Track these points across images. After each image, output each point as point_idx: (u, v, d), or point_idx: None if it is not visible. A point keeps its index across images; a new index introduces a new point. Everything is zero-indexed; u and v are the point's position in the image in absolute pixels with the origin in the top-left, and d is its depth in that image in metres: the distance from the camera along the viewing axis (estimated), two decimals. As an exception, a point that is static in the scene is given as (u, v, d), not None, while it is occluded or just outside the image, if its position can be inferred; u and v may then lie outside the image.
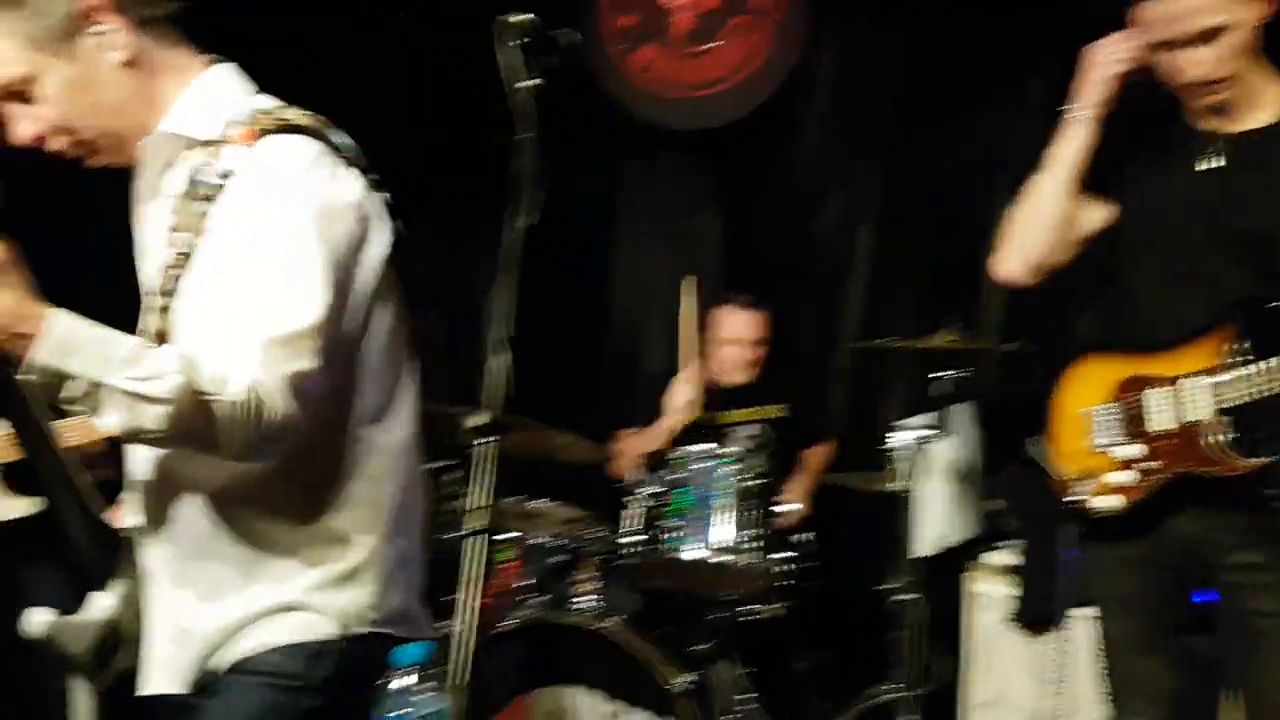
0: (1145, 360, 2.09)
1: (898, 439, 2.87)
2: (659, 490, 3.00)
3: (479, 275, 4.13)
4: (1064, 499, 2.13)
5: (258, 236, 1.36)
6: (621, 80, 4.11)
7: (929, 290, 3.81)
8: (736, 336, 3.54)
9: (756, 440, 3.46)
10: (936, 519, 3.20)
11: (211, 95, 1.48)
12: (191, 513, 1.44)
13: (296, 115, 1.45)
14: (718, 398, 3.59)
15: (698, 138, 4.14)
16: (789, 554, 3.00)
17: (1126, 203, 2.13)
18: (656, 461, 3.05)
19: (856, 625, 3.36)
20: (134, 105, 1.44)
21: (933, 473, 3.02)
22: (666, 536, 2.96)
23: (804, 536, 3.09)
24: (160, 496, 1.47)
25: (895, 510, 3.32)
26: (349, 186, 1.44)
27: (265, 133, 1.41)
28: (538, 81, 1.66)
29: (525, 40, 1.75)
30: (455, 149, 4.16)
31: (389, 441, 1.50)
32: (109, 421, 1.29)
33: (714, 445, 3.09)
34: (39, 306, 1.29)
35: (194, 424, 1.29)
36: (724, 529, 2.95)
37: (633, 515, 3.02)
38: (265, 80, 1.57)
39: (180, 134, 1.45)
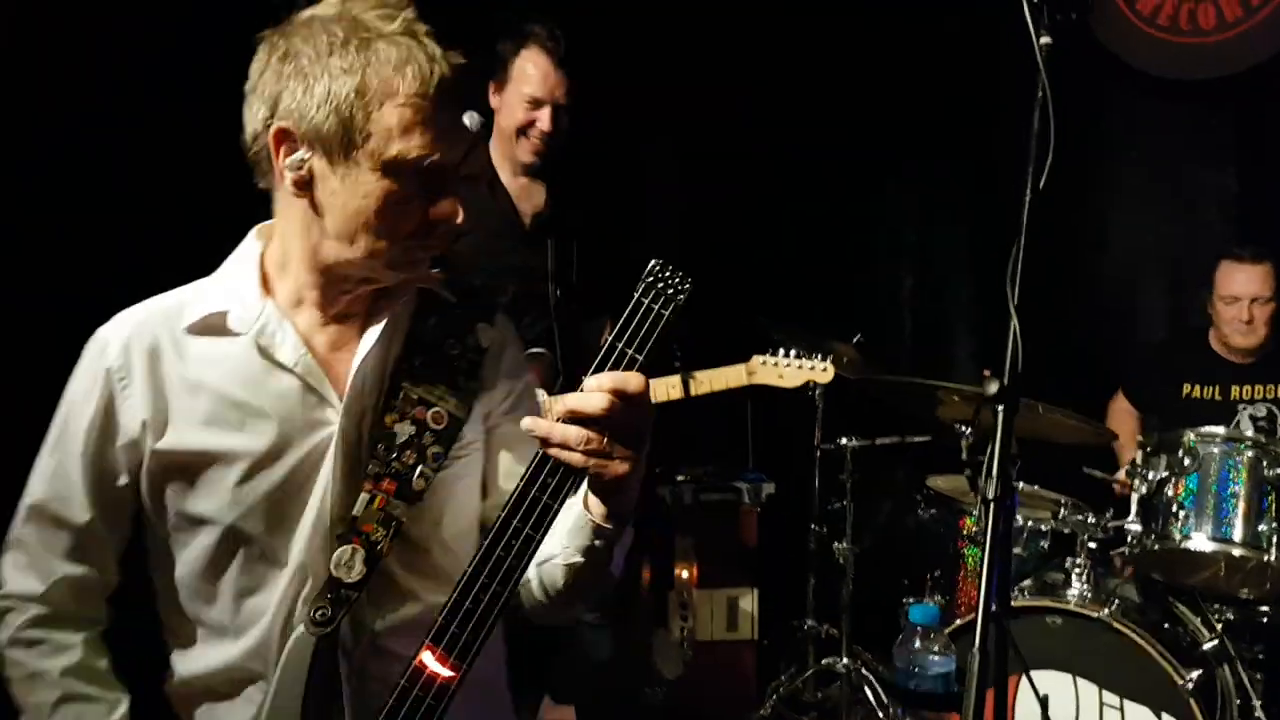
0: None
1: None
2: (1164, 476, 2.79)
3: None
4: None
5: None
6: (1127, 28, 3.81)
7: None
8: (1234, 293, 3.23)
9: (1260, 423, 3.14)
10: None
11: None
12: None
13: None
14: (1223, 368, 3.28)
15: (1208, 86, 3.74)
16: None
17: None
18: (1162, 445, 2.83)
19: None
20: None
21: None
22: (1172, 525, 2.76)
23: None
24: None
25: None
26: None
27: None
28: (1050, 40, 1.61)
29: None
30: (934, 115, 4.11)
31: None
32: None
33: (1225, 429, 2.86)
34: None
35: None
36: (1240, 520, 2.69)
37: (1134, 501, 2.84)
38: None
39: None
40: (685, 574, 3.71)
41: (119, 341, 1.32)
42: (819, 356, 2.76)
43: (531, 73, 2.68)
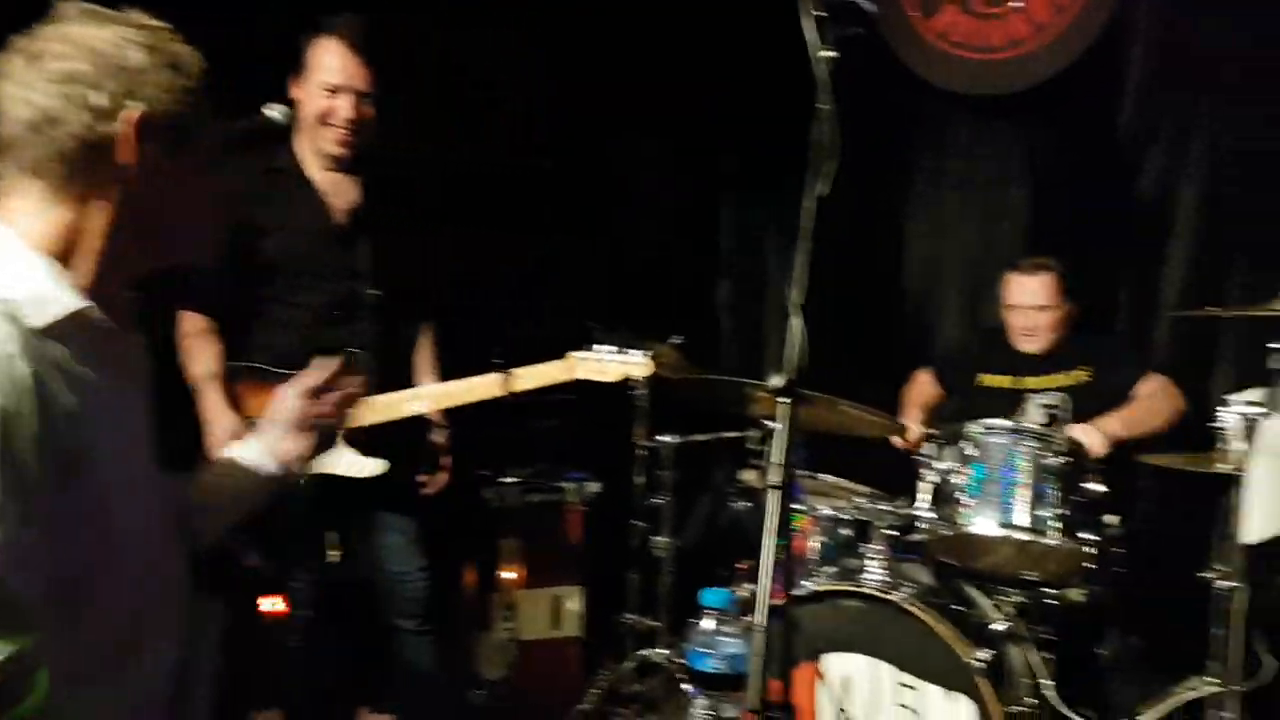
0: None
1: (1227, 416, 2.66)
2: (952, 465, 2.96)
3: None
4: None
5: None
6: (923, 45, 4.02)
7: (1262, 253, 3.51)
8: (1018, 303, 3.43)
9: (1051, 411, 3.36)
10: (1267, 504, 2.95)
11: None
12: None
13: None
14: (1016, 360, 3.49)
15: (1001, 102, 3.98)
16: (1096, 535, 2.87)
17: None
18: (951, 436, 3.00)
19: (1172, 614, 3.16)
20: None
21: (1265, 453, 2.76)
22: (959, 512, 2.92)
23: (1113, 518, 2.93)
24: None
25: (1221, 492, 3.10)
26: None
27: None
28: (835, 53, 1.69)
29: (825, 10, 1.77)
30: (753, 120, 4.24)
31: None
32: None
33: (1011, 421, 3.03)
34: None
35: None
36: (1022, 507, 2.88)
37: (925, 490, 3.00)
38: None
39: None
40: (509, 575, 3.72)
41: None
42: (637, 351, 2.83)
43: (328, 61, 2.68)
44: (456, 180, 4.01)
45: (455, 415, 3.07)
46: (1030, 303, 3.40)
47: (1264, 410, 2.65)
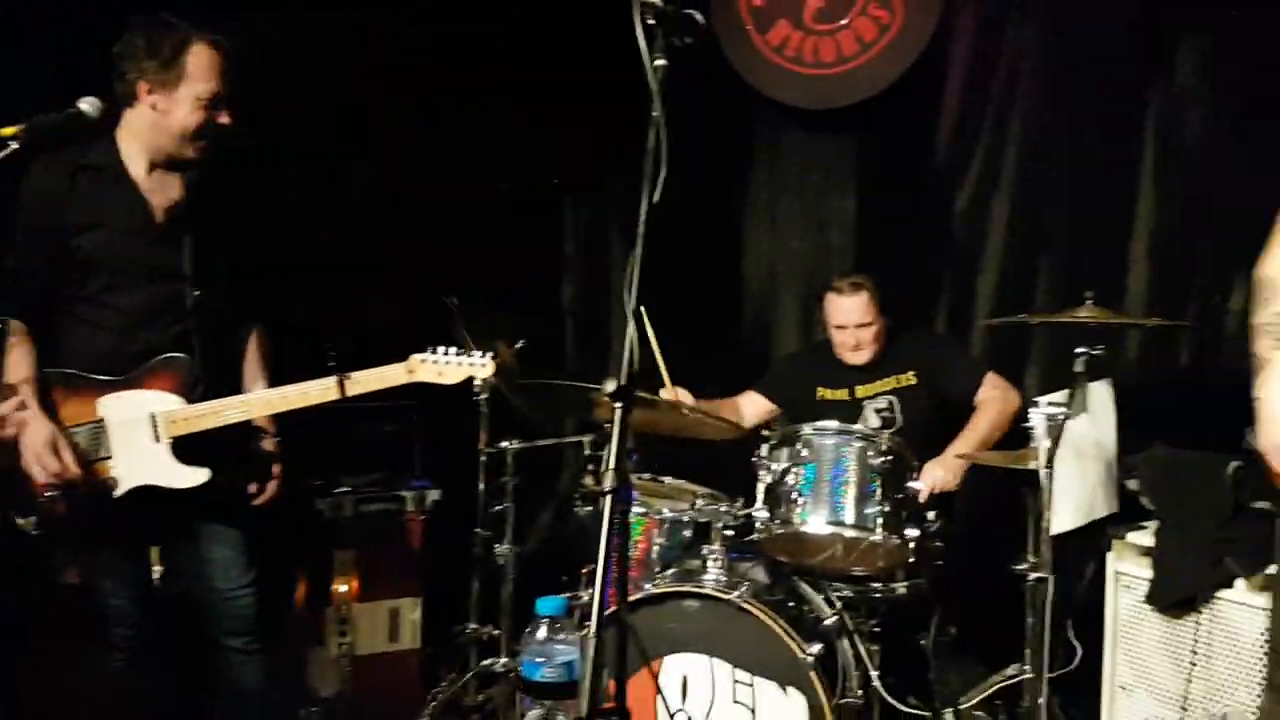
0: None
1: (1038, 415, 2.82)
2: (786, 466, 3.04)
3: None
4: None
5: None
6: (759, 58, 4.12)
7: (1066, 264, 3.76)
8: (839, 323, 3.55)
9: (883, 415, 3.50)
10: (1074, 497, 3.14)
11: None
12: None
13: None
14: (848, 373, 3.62)
15: (832, 116, 4.13)
16: (919, 531, 2.99)
17: None
18: (781, 439, 3.09)
19: (990, 604, 3.33)
20: None
21: (1072, 450, 2.95)
22: (793, 511, 3.01)
23: (935, 514, 3.07)
24: None
25: (1032, 487, 3.29)
26: None
27: None
28: (665, 62, 1.71)
29: (657, 20, 1.80)
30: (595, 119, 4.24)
31: None
32: None
33: (836, 424, 3.13)
34: None
35: None
36: (851, 505, 2.98)
37: (762, 490, 3.08)
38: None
39: None
40: (344, 588, 3.63)
41: None
42: (479, 353, 2.79)
43: (202, 70, 2.62)
44: (288, 177, 3.91)
45: (287, 421, 2.98)
46: (853, 321, 3.53)
47: (1067, 411, 2.81)
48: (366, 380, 2.76)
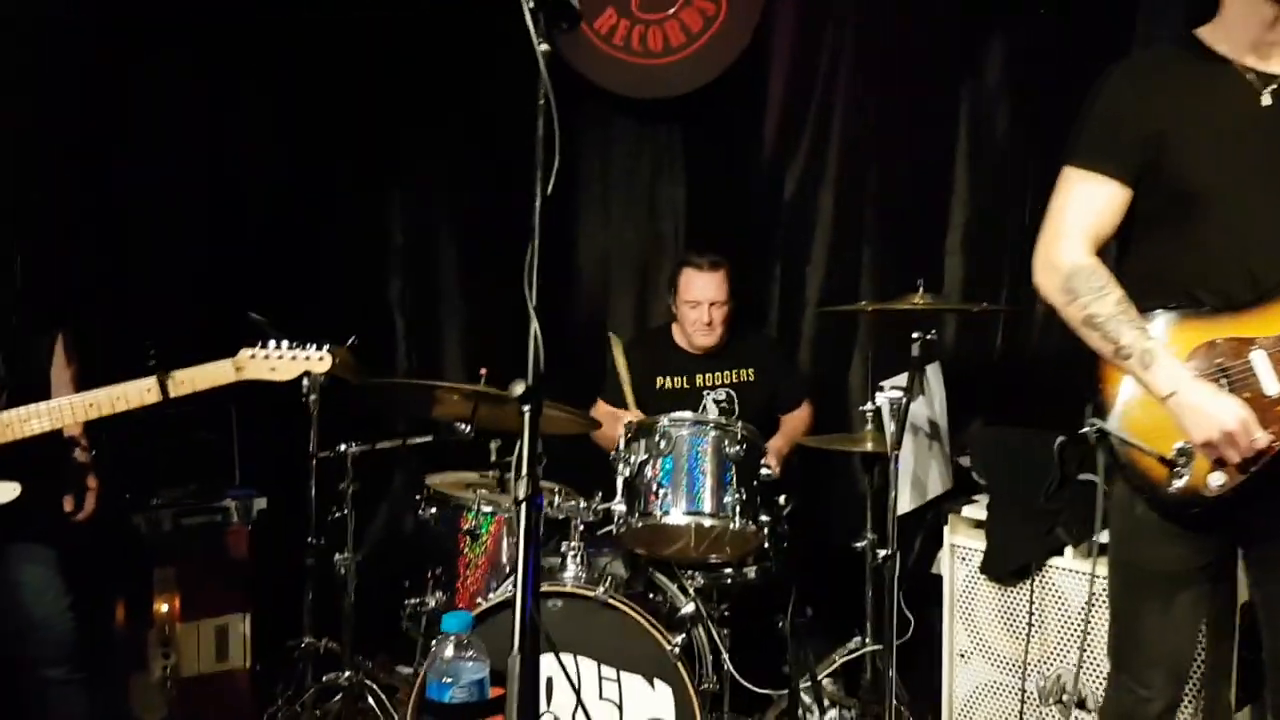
0: (1230, 320, 2.00)
1: (883, 399, 2.93)
2: (644, 459, 3.03)
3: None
4: (1167, 480, 2.02)
5: None
6: (589, 47, 4.08)
7: (886, 254, 3.92)
8: (694, 298, 3.56)
9: (721, 404, 3.56)
10: (912, 477, 3.30)
11: None
12: None
13: None
14: (689, 361, 3.64)
15: (661, 105, 4.13)
16: (770, 517, 3.04)
17: (1180, 145, 2.02)
18: (638, 431, 3.08)
19: (838, 582, 3.46)
20: None
21: (908, 431, 3.08)
22: (653, 503, 2.99)
23: (785, 497, 3.13)
24: None
25: (867, 469, 3.45)
26: None
27: None
28: (547, 47, 1.66)
29: (536, 5, 1.70)
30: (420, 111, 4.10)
31: None
32: None
33: (692, 414, 3.14)
34: None
35: None
36: (709, 494, 2.99)
37: (619, 484, 3.06)
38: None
39: None
40: (166, 608, 3.37)
41: None
42: (314, 346, 2.66)
43: None
44: (100, 170, 3.58)
45: (100, 430, 2.75)
46: (709, 298, 3.54)
47: (907, 394, 2.94)
48: (192, 379, 2.60)
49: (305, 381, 2.87)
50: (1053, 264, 2.09)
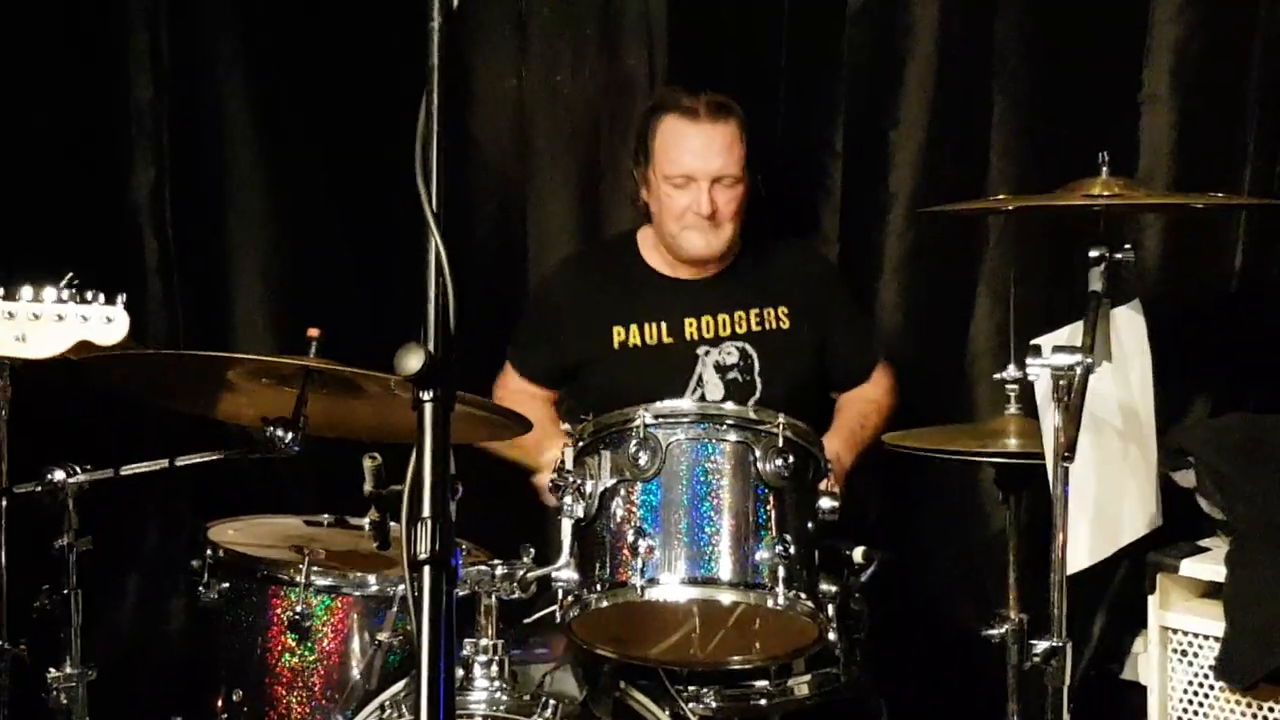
0: None
1: (1040, 368, 1.89)
2: (609, 486, 1.94)
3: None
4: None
5: None
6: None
7: (1038, 108, 2.67)
8: (684, 170, 2.35)
9: (730, 377, 2.64)
10: (1094, 508, 2.15)
11: None
12: None
13: None
14: (670, 294, 2.52)
15: None
16: (837, 585, 1.93)
17: None
18: (596, 438, 1.95)
19: (956, 698, 2.34)
20: None
21: (1086, 424, 1.99)
22: (627, 565, 1.90)
23: (864, 551, 2.03)
24: None
25: (1008, 491, 2.30)
26: None
27: None
28: (441, 22, 1.20)
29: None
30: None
31: None
32: None
33: (693, 403, 2.24)
34: None
35: None
36: (727, 545, 1.88)
37: (564, 533, 1.93)
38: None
39: None
40: None
41: None
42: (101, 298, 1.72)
43: None
44: None
45: None
46: (713, 169, 2.26)
47: (1080, 360, 1.81)
48: None
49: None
50: None
